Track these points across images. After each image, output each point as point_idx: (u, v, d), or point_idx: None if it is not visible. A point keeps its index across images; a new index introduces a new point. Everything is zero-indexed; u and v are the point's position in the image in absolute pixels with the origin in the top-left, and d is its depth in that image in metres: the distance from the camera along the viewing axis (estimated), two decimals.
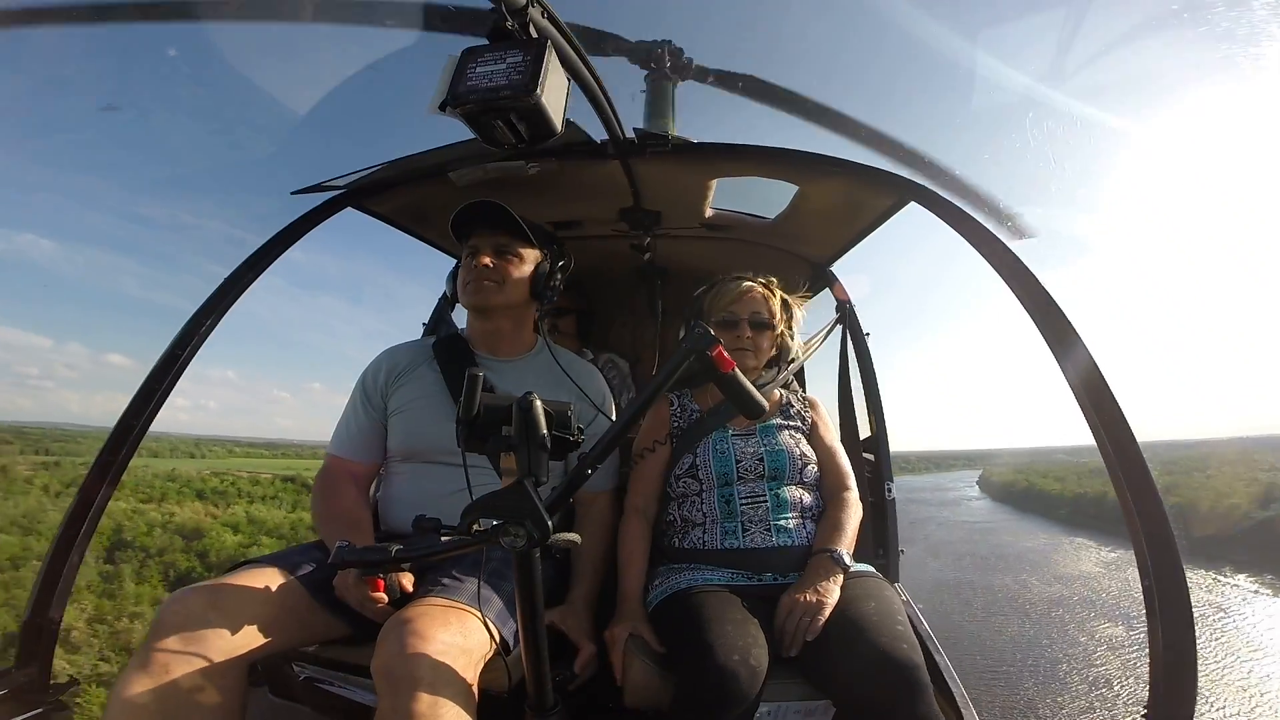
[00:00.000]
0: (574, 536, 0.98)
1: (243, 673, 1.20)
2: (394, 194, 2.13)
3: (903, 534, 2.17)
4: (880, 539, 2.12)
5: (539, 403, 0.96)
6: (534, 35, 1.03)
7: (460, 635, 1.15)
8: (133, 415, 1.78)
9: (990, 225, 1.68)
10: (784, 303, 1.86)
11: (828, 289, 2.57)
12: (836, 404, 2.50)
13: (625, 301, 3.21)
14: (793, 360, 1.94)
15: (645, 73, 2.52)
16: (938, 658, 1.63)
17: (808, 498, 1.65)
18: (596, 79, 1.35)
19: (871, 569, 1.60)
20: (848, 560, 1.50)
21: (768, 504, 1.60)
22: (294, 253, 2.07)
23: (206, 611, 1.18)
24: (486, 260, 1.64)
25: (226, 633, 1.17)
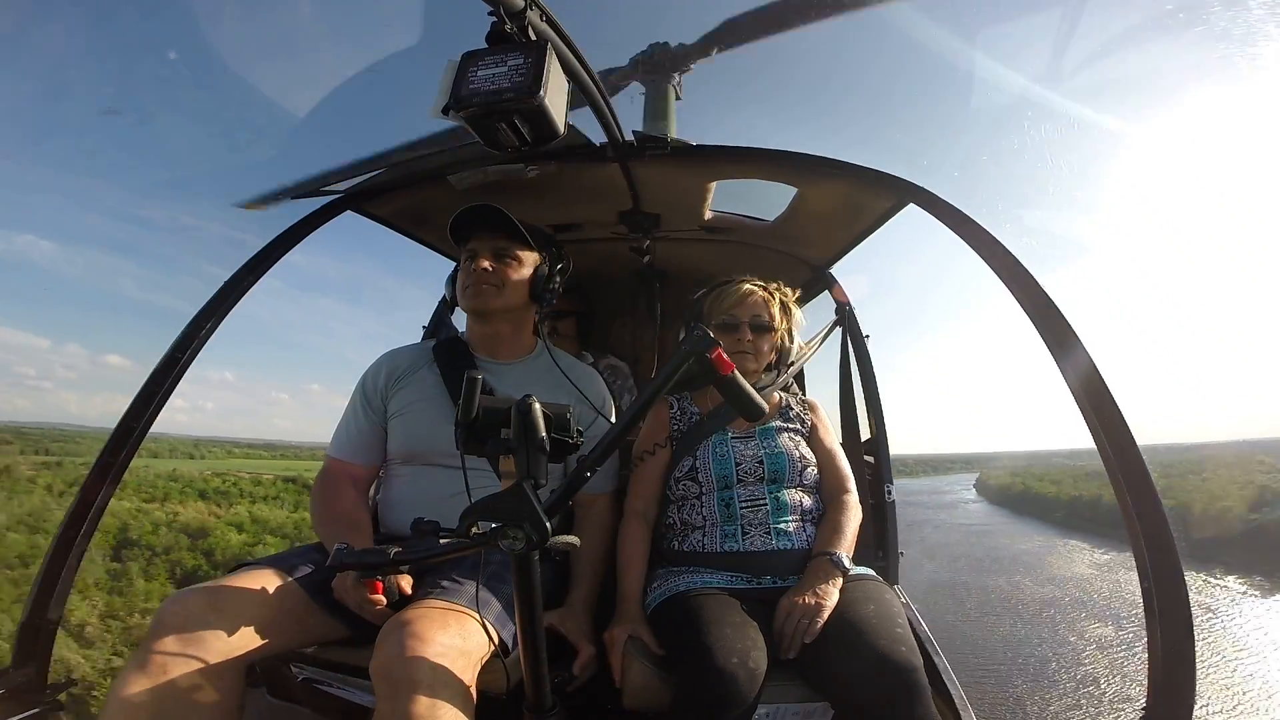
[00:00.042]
0: (573, 539, 0.98)
1: (241, 674, 1.20)
2: (393, 197, 2.13)
3: (900, 536, 2.17)
4: (880, 541, 2.12)
5: (538, 405, 0.96)
6: (533, 38, 1.03)
7: (459, 637, 1.15)
8: (133, 417, 1.78)
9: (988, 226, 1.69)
10: (784, 305, 1.86)
11: (827, 291, 2.57)
12: (836, 406, 2.51)
13: (625, 304, 3.21)
14: (792, 363, 1.94)
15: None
16: (937, 660, 1.63)
17: (808, 500, 1.65)
18: (595, 82, 1.36)
19: (871, 572, 1.59)
20: (847, 563, 1.50)
21: (767, 507, 1.60)
22: (293, 255, 2.07)
23: (205, 612, 1.18)
24: (485, 264, 1.64)
25: (225, 634, 1.17)
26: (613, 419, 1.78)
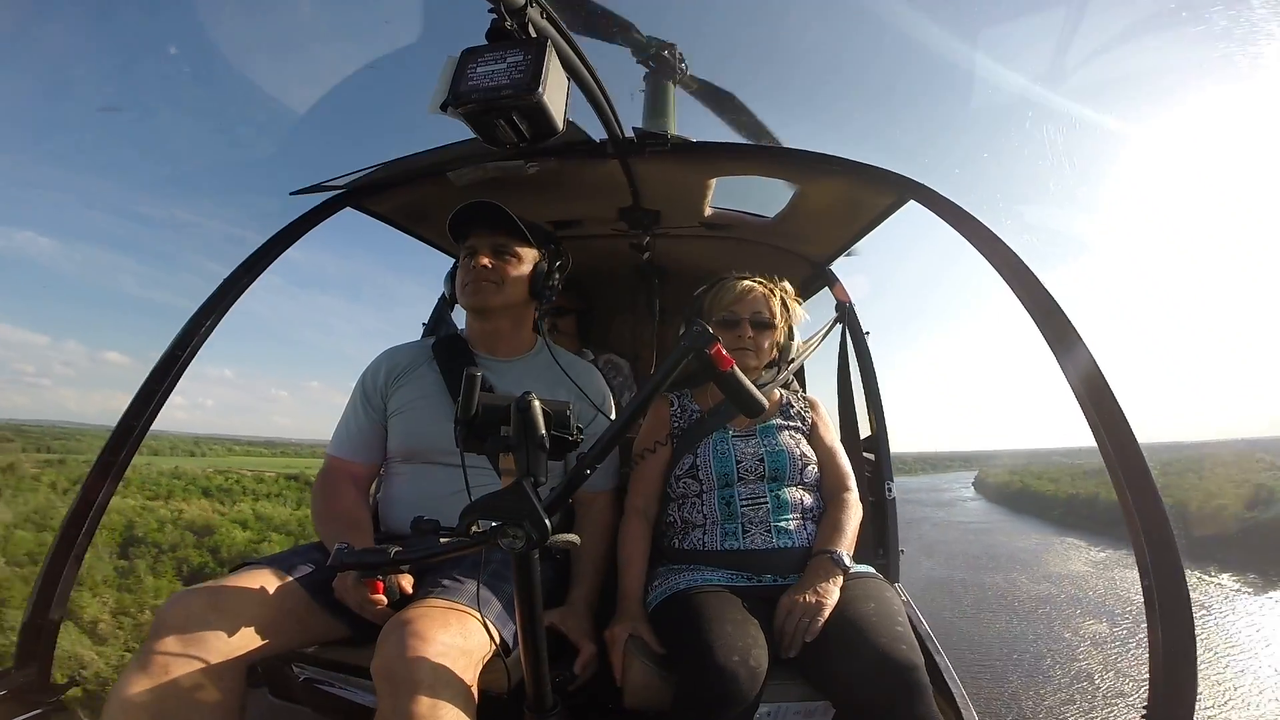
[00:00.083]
0: (573, 537, 0.98)
1: (242, 674, 1.20)
2: (393, 194, 2.13)
3: (899, 534, 2.17)
4: (880, 539, 2.12)
5: (537, 403, 0.96)
6: (533, 35, 1.03)
7: (460, 636, 1.15)
8: (133, 415, 1.78)
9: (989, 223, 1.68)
10: (785, 302, 1.85)
11: (827, 288, 2.57)
12: (836, 404, 2.50)
13: (625, 301, 3.21)
14: (793, 360, 1.93)
15: (645, 71, 2.52)
16: (938, 658, 1.63)
17: (808, 499, 1.65)
18: (596, 78, 1.35)
19: (871, 570, 1.59)
20: (847, 561, 1.50)
21: (768, 505, 1.60)
22: (292, 251, 2.07)
23: (206, 612, 1.17)
24: (485, 261, 1.64)
25: (226, 634, 1.17)
26: (612, 416, 1.77)
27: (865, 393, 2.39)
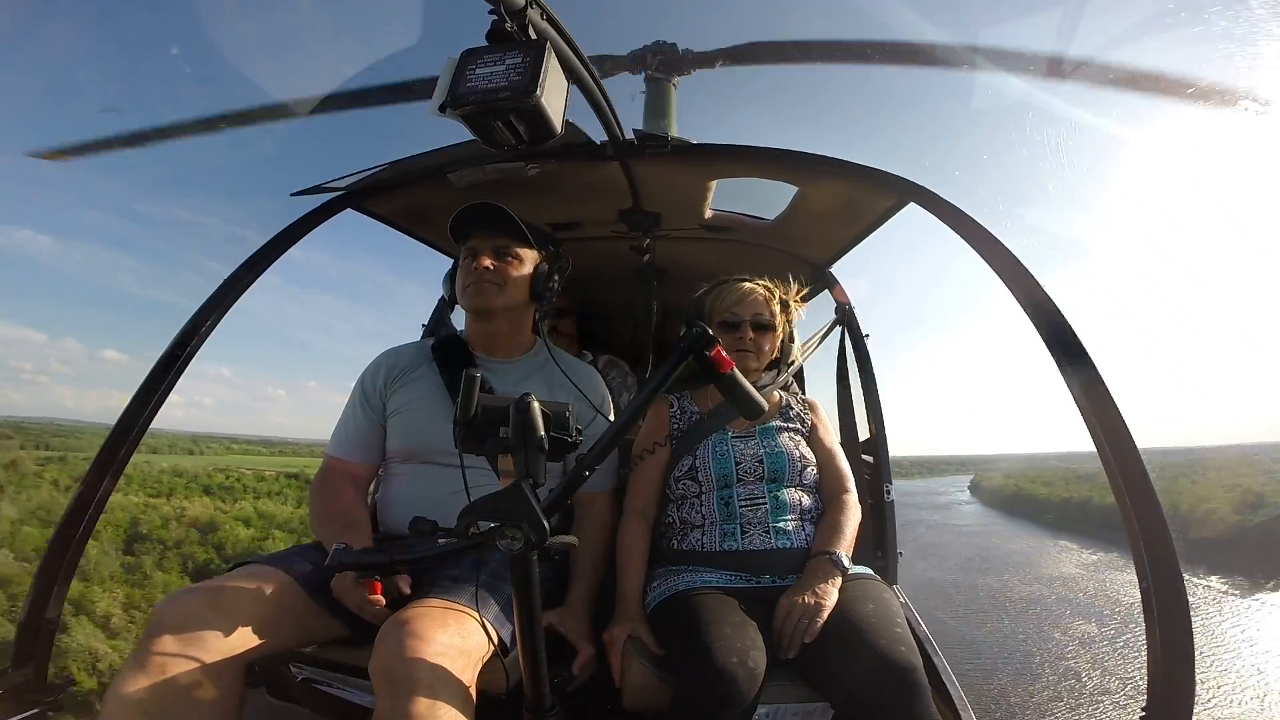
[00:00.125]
0: (571, 539, 0.98)
1: (240, 673, 1.19)
2: (393, 195, 2.13)
3: (897, 536, 2.18)
4: (879, 541, 2.12)
5: (536, 404, 0.95)
6: (533, 37, 1.03)
7: (458, 636, 1.15)
8: (132, 415, 1.77)
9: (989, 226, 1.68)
10: (785, 304, 1.86)
11: (827, 290, 2.57)
12: (835, 406, 2.50)
13: (625, 302, 3.20)
14: (792, 362, 1.94)
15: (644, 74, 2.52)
16: (936, 660, 1.63)
17: (807, 500, 1.65)
18: (596, 80, 1.35)
19: (870, 571, 1.60)
20: (846, 563, 1.50)
21: (767, 506, 1.60)
22: (292, 251, 2.07)
23: (204, 611, 1.17)
24: (486, 262, 1.63)
25: (223, 633, 1.16)
26: (612, 417, 1.77)
27: (864, 395, 2.39)
